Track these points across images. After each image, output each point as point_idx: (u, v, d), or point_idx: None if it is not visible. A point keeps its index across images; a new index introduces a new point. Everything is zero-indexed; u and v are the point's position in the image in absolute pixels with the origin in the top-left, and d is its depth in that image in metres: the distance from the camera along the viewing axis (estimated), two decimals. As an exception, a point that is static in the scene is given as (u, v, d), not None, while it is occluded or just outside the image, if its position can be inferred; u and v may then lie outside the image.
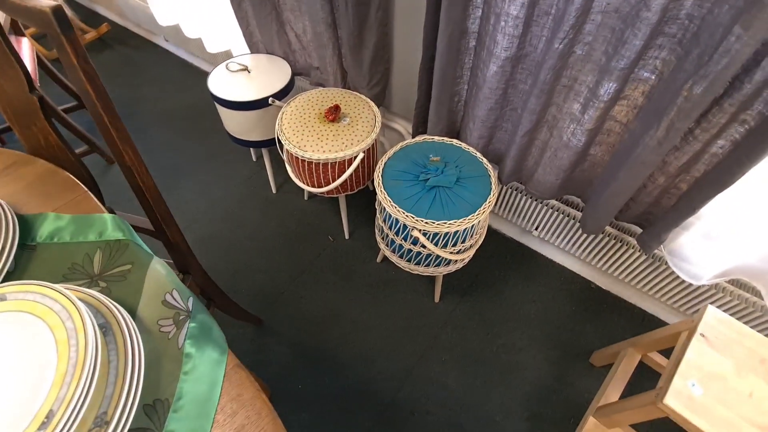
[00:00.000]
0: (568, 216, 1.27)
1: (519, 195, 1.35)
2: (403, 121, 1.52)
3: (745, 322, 1.10)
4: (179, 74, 2.32)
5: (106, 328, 0.48)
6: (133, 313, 0.52)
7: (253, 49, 1.57)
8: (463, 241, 1.13)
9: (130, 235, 0.62)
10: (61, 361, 0.42)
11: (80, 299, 0.48)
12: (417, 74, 1.18)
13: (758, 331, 1.03)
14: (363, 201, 1.72)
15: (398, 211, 1.05)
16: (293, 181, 1.35)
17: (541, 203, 1.30)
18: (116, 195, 1.45)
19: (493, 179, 1.11)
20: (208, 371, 0.50)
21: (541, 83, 0.93)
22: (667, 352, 1.03)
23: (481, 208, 1.05)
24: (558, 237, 1.38)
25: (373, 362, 1.32)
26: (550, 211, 1.30)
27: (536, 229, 1.42)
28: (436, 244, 1.09)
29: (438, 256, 1.16)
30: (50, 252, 0.59)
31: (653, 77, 0.84)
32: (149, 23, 2.29)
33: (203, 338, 0.52)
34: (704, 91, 0.72)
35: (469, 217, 1.03)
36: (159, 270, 0.57)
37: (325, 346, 1.35)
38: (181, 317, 0.53)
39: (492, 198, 1.07)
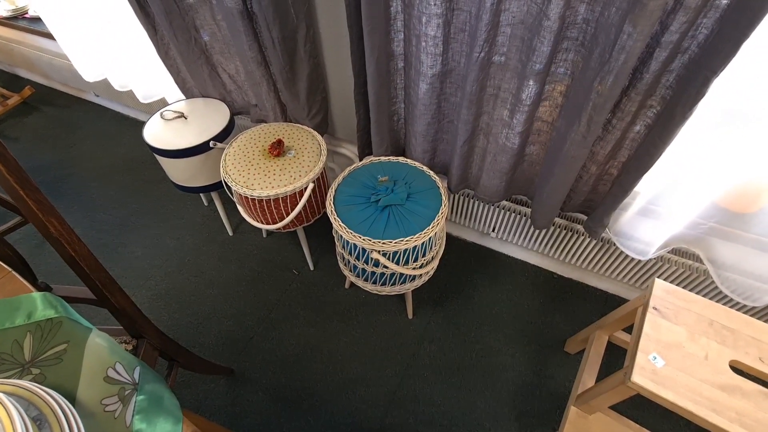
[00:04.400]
0: (519, 214, 1.32)
1: (471, 201, 1.39)
2: (349, 145, 1.53)
3: (693, 288, 1.18)
4: (115, 128, 2.24)
5: (41, 421, 0.44)
6: (72, 397, 0.49)
7: (188, 94, 1.55)
8: (424, 255, 1.14)
9: (63, 311, 0.58)
10: (-11, 468, 0.38)
11: (8, 393, 0.44)
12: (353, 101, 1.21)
13: (704, 296, 1.11)
14: (323, 229, 1.70)
15: (354, 236, 1.05)
16: (249, 222, 1.32)
17: (492, 206, 1.34)
18: (59, 266, 1.35)
19: (443, 190, 1.14)
20: (163, 444, 0.47)
21: (469, 94, 0.98)
22: (630, 330, 1.08)
23: (435, 220, 1.07)
24: (515, 235, 1.43)
25: (355, 391, 1.29)
26: (503, 212, 1.34)
27: (493, 230, 1.46)
28: (397, 263, 1.10)
29: (402, 274, 1.16)
30: (-27, 346, 0.54)
31: (566, 77, 0.91)
32: (76, 81, 2.20)
33: (153, 410, 0.49)
34: (612, 84, 0.78)
35: (425, 230, 1.05)
36: (99, 344, 0.54)
37: (303, 384, 1.31)
38: (127, 392, 0.50)
39: (444, 209, 1.10)
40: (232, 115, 1.48)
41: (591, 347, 1.11)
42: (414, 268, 1.13)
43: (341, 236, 1.12)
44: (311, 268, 1.58)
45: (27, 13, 2.21)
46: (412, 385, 1.30)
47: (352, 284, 1.53)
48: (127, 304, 0.81)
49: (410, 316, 1.44)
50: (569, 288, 1.50)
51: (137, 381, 0.51)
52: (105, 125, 2.27)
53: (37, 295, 0.59)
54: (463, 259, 1.59)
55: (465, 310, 1.46)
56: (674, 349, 0.81)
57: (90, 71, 1.78)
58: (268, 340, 1.41)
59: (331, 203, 1.13)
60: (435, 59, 0.97)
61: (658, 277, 1.19)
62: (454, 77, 1.02)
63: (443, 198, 1.12)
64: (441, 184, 1.15)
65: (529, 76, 0.88)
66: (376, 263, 1.11)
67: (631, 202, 1.05)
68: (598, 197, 1.10)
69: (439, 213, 1.09)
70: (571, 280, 1.51)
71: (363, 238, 1.04)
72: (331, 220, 1.09)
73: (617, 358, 1.14)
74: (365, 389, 1.29)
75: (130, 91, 1.77)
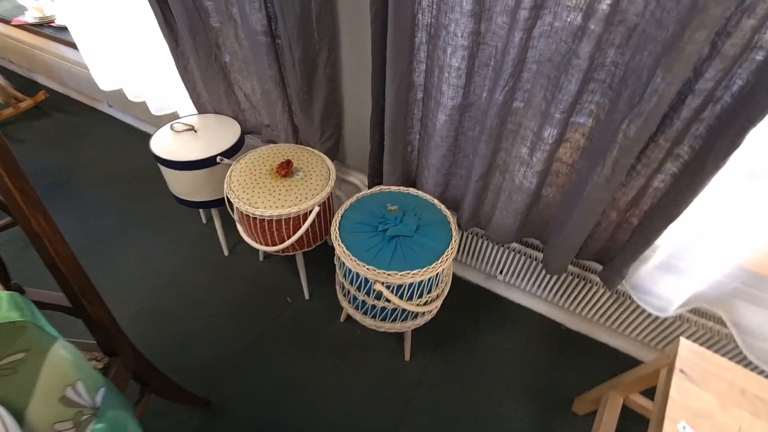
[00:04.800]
0: (530, 258, 1.26)
1: (480, 240, 1.34)
2: (359, 174, 1.50)
3: (715, 351, 1.10)
4: (123, 138, 2.23)
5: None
6: (20, 416, 0.41)
7: (201, 109, 1.54)
8: (429, 292, 1.07)
9: (30, 315, 0.51)
10: None
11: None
12: (368, 128, 1.19)
13: (729, 359, 1.03)
14: (323, 257, 1.64)
15: (358, 264, 0.99)
16: (247, 244, 1.26)
17: (502, 247, 1.29)
18: (41, 272, 1.28)
19: (453, 225, 1.09)
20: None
21: (489, 129, 0.95)
22: (648, 393, 0.99)
23: (444, 254, 1.01)
24: (523, 279, 1.37)
25: (341, 438, 1.17)
26: (512, 253, 1.29)
27: (501, 272, 1.40)
28: (401, 297, 1.03)
29: (404, 310, 1.09)
30: None
31: (590, 120, 0.89)
32: (91, 90, 2.22)
33: (113, 443, 0.41)
34: (640, 128, 0.76)
35: (433, 264, 0.99)
36: (63, 356, 0.46)
37: (285, 422, 1.19)
38: (84, 417, 0.42)
39: (454, 244, 1.04)
40: (243, 133, 1.46)
41: (604, 410, 1.02)
42: (418, 305, 1.06)
43: (343, 263, 1.05)
44: (306, 297, 1.50)
45: (54, 21, 2.26)
46: (404, 436, 1.18)
47: (348, 318, 1.44)
48: (105, 315, 0.74)
49: (407, 357, 1.34)
50: (577, 342, 1.41)
51: (98, 405, 0.43)
52: (114, 135, 2.26)
53: (3, 294, 0.52)
54: (466, 301, 1.51)
55: (466, 356, 1.36)
56: (705, 419, 0.73)
57: (106, 81, 1.79)
58: (252, 370, 1.31)
59: (336, 228, 1.07)
60: (456, 91, 0.95)
61: (676, 337, 1.11)
62: (473, 111, 1.01)
63: (453, 233, 1.07)
64: (452, 219, 1.11)
65: (553, 115, 0.86)
66: (378, 296, 1.04)
67: (651, 255, 1.00)
68: (617, 246, 1.05)
69: (449, 248, 1.03)
70: (579, 334, 1.43)
71: (367, 267, 0.98)
72: (335, 245, 1.04)
73: (633, 424, 1.05)
74: (353, 436, 1.18)
75: (143, 103, 1.77)
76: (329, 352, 1.36)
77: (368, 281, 1.02)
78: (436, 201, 1.15)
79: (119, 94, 1.99)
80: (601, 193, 0.87)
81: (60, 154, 2.12)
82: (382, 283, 0.99)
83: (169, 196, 1.74)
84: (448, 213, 1.12)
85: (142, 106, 1.95)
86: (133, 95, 1.75)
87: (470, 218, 1.19)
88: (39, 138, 2.23)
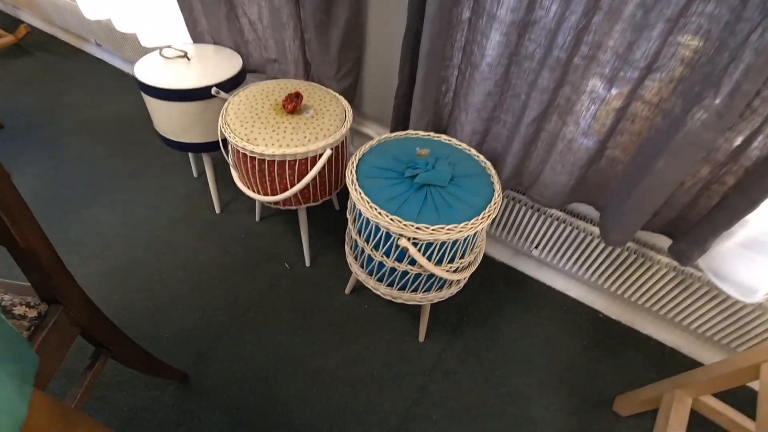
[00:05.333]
0: (576, 229, 1.07)
1: (514, 206, 1.14)
2: (376, 126, 1.30)
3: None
4: (110, 83, 2.01)
5: None
6: None
7: (198, 39, 1.32)
8: (462, 256, 0.88)
9: None
10: None
11: None
12: (394, 64, 0.98)
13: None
14: (328, 220, 1.44)
15: (380, 214, 0.79)
16: (242, 200, 1.07)
17: (544, 215, 1.09)
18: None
19: (495, 178, 0.89)
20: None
21: (557, 52, 0.75)
22: (722, 395, 0.80)
23: (486, 210, 0.82)
24: (563, 256, 1.17)
25: (343, 428, 0.98)
26: (555, 223, 1.09)
27: (536, 247, 1.20)
28: (429, 259, 0.83)
29: (429, 277, 0.89)
30: None
31: (697, 39, 0.68)
32: (78, 26, 1.99)
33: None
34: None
35: (473, 220, 0.79)
36: None
37: (275, 407, 1.00)
38: None
39: (497, 198, 0.85)
40: (246, 71, 1.25)
41: (670, 413, 0.82)
42: (448, 270, 0.87)
43: (360, 214, 0.85)
44: (307, 263, 1.30)
45: (41, -53, 2.02)
46: (416, 428, 0.99)
47: (354, 290, 1.24)
48: (41, 244, 0.54)
49: (422, 338, 1.15)
50: (617, 333, 1.22)
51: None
52: (100, 79, 2.03)
53: None
54: (490, 280, 1.32)
55: (489, 342, 1.17)
56: None
57: (93, 9, 1.57)
58: (240, 343, 1.11)
59: (353, 171, 0.87)
60: (519, 0, 0.75)
61: (754, 330, 0.92)
62: (536, 31, 0.80)
63: (496, 186, 0.87)
64: (493, 171, 0.90)
65: (653, 26, 0.66)
66: (401, 256, 0.85)
67: (741, 226, 0.81)
68: (695, 214, 0.86)
69: (492, 203, 0.83)
70: (620, 324, 1.24)
71: (391, 217, 0.78)
72: (351, 190, 0.84)
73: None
74: (356, 425, 0.99)
75: (134, 41, 1.55)
76: (331, 328, 1.16)
77: (390, 238, 0.82)
78: (473, 150, 0.95)
79: (107, 29, 1.77)
80: (705, 134, 0.67)
81: (37, 96, 1.90)
82: (409, 239, 0.79)
83: (156, 147, 1.54)
84: (488, 164, 0.92)
85: (133, 44, 1.73)
86: (122, 26, 1.52)
87: (511, 176, 0.99)
88: (16, 77, 2.01)
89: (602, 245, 1.05)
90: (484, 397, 1.06)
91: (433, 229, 0.77)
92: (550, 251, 1.18)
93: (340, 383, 1.06)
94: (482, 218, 0.80)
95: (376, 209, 0.79)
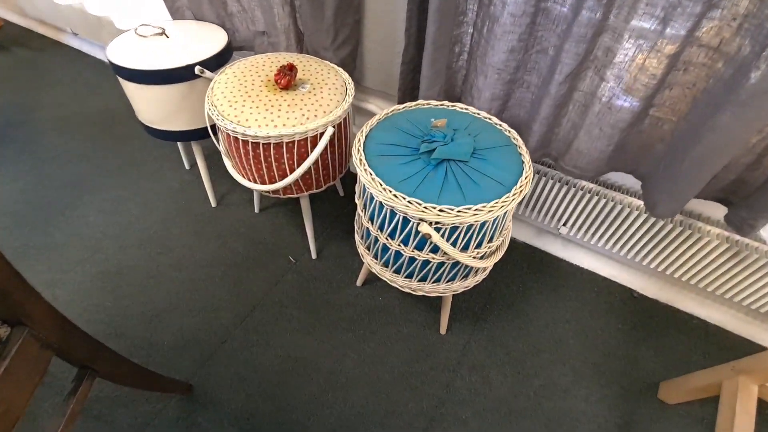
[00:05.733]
0: (612, 201, 0.95)
1: (542, 180, 1.02)
2: (379, 100, 1.18)
3: None
4: (91, 76, 1.88)
5: None
6: None
7: (177, 15, 1.19)
8: (491, 240, 0.77)
9: None
10: None
11: None
12: (398, 26, 0.86)
13: None
14: (332, 207, 1.33)
15: (396, 197, 0.68)
16: (239, 191, 0.98)
17: (573, 188, 0.98)
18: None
19: (522, 148, 0.78)
20: None
21: (597, -10, 0.63)
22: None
23: (518, 185, 0.71)
24: (594, 233, 1.06)
25: (363, 434, 0.90)
26: (587, 197, 0.98)
27: (564, 224, 1.09)
28: (453, 245, 0.72)
29: (455, 265, 0.78)
30: None
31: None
32: (52, 15, 1.85)
33: None
34: None
35: (504, 198, 0.68)
36: None
37: (288, 414, 0.92)
38: None
39: (528, 170, 0.73)
40: (232, 48, 1.12)
41: (736, 403, 0.73)
42: (474, 257, 0.76)
43: (371, 198, 0.75)
44: (313, 256, 1.20)
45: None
46: (446, 430, 0.90)
47: (366, 281, 1.15)
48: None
49: (443, 330, 1.06)
50: (655, 312, 1.12)
51: None
52: (80, 72, 1.91)
53: None
54: (512, 262, 1.21)
55: (517, 330, 1.08)
56: None
57: (62, -9, 1.44)
58: (247, 347, 1.02)
59: (360, 150, 0.76)
60: (549, -70, 0.62)
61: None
62: (568, -31, 0.67)
63: (525, 158, 0.76)
64: (520, 140, 0.79)
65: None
66: (421, 244, 0.74)
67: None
68: (758, 176, 0.74)
69: (523, 176, 0.72)
70: (657, 303, 1.14)
71: (409, 200, 0.67)
72: (360, 172, 0.72)
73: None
74: (379, 430, 0.90)
75: (111, 28, 1.42)
76: (344, 325, 1.07)
77: (407, 223, 0.71)
78: (494, 119, 0.83)
79: (81, 14, 1.64)
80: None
81: (15, 93, 1.78)
82: (430, 223, 0.68)
83: (145, 141, 1.44)
84: (513, 133, 0.80)
85: (110, 29, 1.60)
86: (94, 8, 1.39)
87: (539, 145, 0.88)
88: (-9, 74, 1.88)
89: (641, 219, 0.94)
90: (517, 392, 0.97)
91: (458, 211, 0.66)
92: (579, 229, 1.07)
93: (358, 384, 0.97)
94: (513, 195, 0.69)
95: (390, 192, 0.68)
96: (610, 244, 1.06)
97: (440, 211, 0.66)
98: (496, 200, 0.68)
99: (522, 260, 1.22)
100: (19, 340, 0.49)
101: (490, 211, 0.67)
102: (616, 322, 1.10)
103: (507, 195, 0.69)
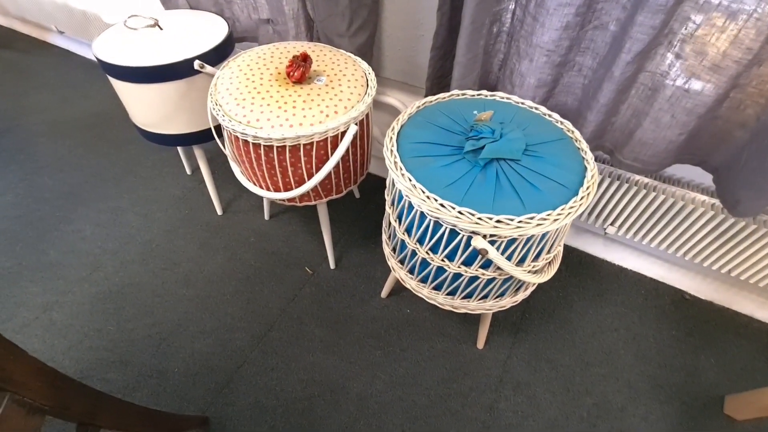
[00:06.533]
0: (672, 197, 0.84)
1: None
2: (399, 93, 1.06)
3: None
4: (81, 77, 1.76)
5: None
6: None
7: (170, 5, 1.07)
8: (549, 251, 0.66)
9: None
10: None
11: None
12: (421, 8, 0.75)
13: None
14: (349, 211, 1.23)
15: (442, 206, 0.57)
16: (246, 197, 0.88)
17: (626, 183, 0.87)
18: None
19: (581, 142, 0.67)
20: None
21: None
22: None
23: (584, 186, 0.60)
24: (646, 234, 0.96)
25: (402, 469, 0.80)
26: (642, 192, 0.87)
27: (612, 224, 0.98)
28: (509, 259, 0.62)
29: (506, 280, 0.68)
30: None
31: None
32: (36, 13, 1.73)
33: None
34: None
35: (571, 202, 0.58)
36: None
37: (319, 450, 0.82)
38: None
39: (593, 168, 0.63)
40: (233, 38, 1.01)
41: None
42: (530, 272, 0.66)
43: (410, 207, 0.64)
44: (332, 266, 1.10)
45: None
46: (493, 462, 0.81)
47: (392, 292, 1.05)
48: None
49: (481, 345, 0.96)
50: (710, 316, 1.02)
51: None
52: (69, 73, 1.79)
53: None
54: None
55: (561, 342, 0.98)
56: None
57: (43, -16, 1.31)
58: (266, 372, 0.92)
59: (393, 150, 0.65)
60: None
61: None
62: (643, -76, 0.56)
63: (586, 154, 0.65)
64: (577, 134, 0.68)
65: None
66: (470, 258, 0.63)
67: None
68: None
69: (588, 175, 0.62)
70: (712, 305, 1.04)
71: (459, 210, 0.56)
72: (396, 178, 0.62)
73: None
74: (418, 464, 0.81)
75: (98, 24, 1.30)
76: (371, 341, 0.97)
77: (455, 236, 0.61)
78: (542, 108, 0.72)
79: (66, 10, 1.51)
80: None
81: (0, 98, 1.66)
82: (485, 236, 0.57)
83: (143, 146, 1.33)
84: (567, 124, 0.69)
85: (98, 24, 1.48)
86: (80, 3, 1.27)
87: (593, 137, 0.77)
88: (-27, 78, 1.76)
89: (706, 217, 0.83)
90: (569, 412, 0.87)
91: (519, 221, 0.55)
92: (629, 229, 0.96)
93: (391, 410, 0.87)
94: (581, 198, 0.58)
95: (436, 200, 0.57)
96: (663, 245, 0.95)
97: (498, 222, 0.55)
98: (562, 206, 0.57)
99: (560, 263, 1.11)
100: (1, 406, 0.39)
101: (556, 220, 0.56)
102: (669, 328, 1.00)
103: (574, 199, 0.58)
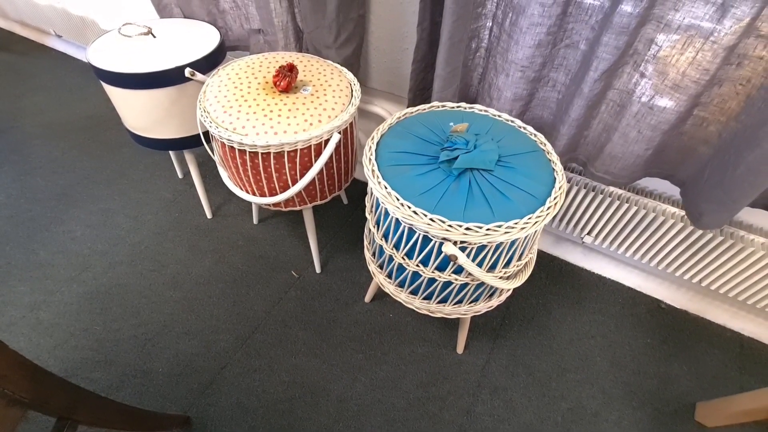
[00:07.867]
0: (644, 209, 0.88)
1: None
2: (385, 102, 1.09)
3: None
4: (78, 80, 1.79)
5: None
6: None
7: (164, 13, 1.11)
8: (519, 258, 0.69)
9: None
10: None
11: None
12: (407, 22, 0.78)
13: None
14: (336, 217, 1.25)
15: (415, 213, 0.60)
16: (236, 202, 0.89)
17: (600, 194, 0.90)
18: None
19: (552, 154, 0.70)
20: None
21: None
22: None
23: (552, 196, 0.63)
24: (621, 243, 0.99)
25: (379, 470, 0.82)
26: (615, 204, 0.90)
27: (589, 233, 1.01)
28: (479, 265, 0.65)
29: (479, 285, 0.71)
30: None
31: None
32: (34, 17, 1.76)
33: None
34: None
35: (538, 212, 0.60)
36: None
37: (297, 451, 0.84)
38: None
39: (562, 179, 0.66)
40: (225, 48, 1.04)
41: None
42: (501, 277, 0.68)
43: (387, 214, 0.66)
44: (317, 269, 1.12)
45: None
46: (468, 464, 0.83)
47: (375, 297, 1.07)
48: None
49: (460, 350, 0.98)
50: (685, 324, 1.05)
51: None
52: (65, 77, 1.81)
53: None
54: (529, 275, 1.13)
55: (539, 348, 1.00)
56: None
57: (42, -10, 1.34)
58: (248, 373, 0.94)
59: (372, 159, 0.68)
60: None
61: None
62: (607, -49, 0.59)
63: (556, 165, 0.68)
64: (549, 147, 0.71)
65: None
66: (443, 264, 0.66)
67: None
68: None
69: (556, 186, 0.64)
70: (687, 314, 1.07)
71: (431, 217, 0.59)
72: (373, 184, 0.64)
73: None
74: (395, 466, 0.82)
75: (95, 29, 1.33)
76: (353, 345, 0.99)
77: (428, 242, 0.63)
78: (517, 121, 0.75)
79: (64, 15, 1.55)
80: None
81: (-4, 99, 1.68)
82: (456, 243, 0.60)
83: (135, 150, 1.36)
84: (540, 137, 0.72)
85: (95, 30, 1.51)
86: (77, 8, 1.30)
87: (565, 150, 0.80)
88: (-30, 80, 1.79)
89: (676, 228, 0.86)
90: (544, 416, 0.89)
91: (488, 229, 0.58)
92: (605, 238, 0.99)
93: (371, 412, 0.89)
94: (548, 208, 0.61)
95: (409, 207, 0.60)
96: (638, 255, 0.98)
97: (467, 229, 0.58)
98: (530, 215, 0.60)
99: (540, 270, 1.14)
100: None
101: (523, 228, 0.59)
102: (644, 336, 1.03)
103: (541, 208, 0.61)
